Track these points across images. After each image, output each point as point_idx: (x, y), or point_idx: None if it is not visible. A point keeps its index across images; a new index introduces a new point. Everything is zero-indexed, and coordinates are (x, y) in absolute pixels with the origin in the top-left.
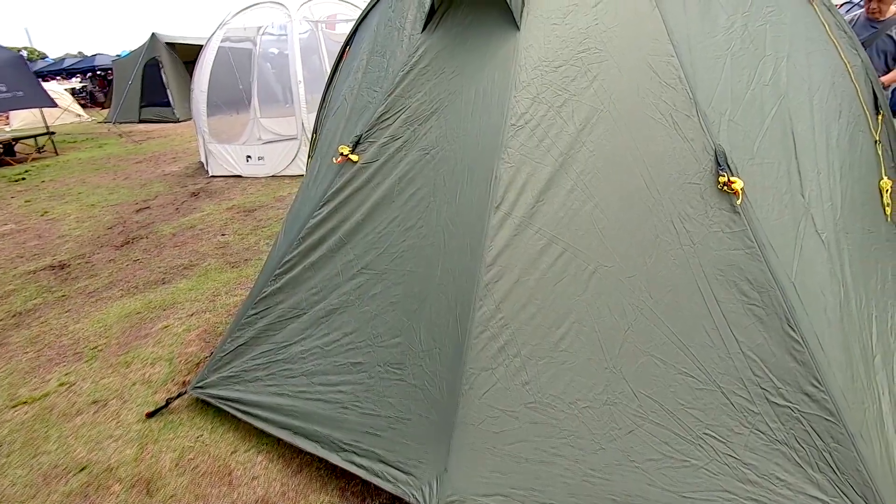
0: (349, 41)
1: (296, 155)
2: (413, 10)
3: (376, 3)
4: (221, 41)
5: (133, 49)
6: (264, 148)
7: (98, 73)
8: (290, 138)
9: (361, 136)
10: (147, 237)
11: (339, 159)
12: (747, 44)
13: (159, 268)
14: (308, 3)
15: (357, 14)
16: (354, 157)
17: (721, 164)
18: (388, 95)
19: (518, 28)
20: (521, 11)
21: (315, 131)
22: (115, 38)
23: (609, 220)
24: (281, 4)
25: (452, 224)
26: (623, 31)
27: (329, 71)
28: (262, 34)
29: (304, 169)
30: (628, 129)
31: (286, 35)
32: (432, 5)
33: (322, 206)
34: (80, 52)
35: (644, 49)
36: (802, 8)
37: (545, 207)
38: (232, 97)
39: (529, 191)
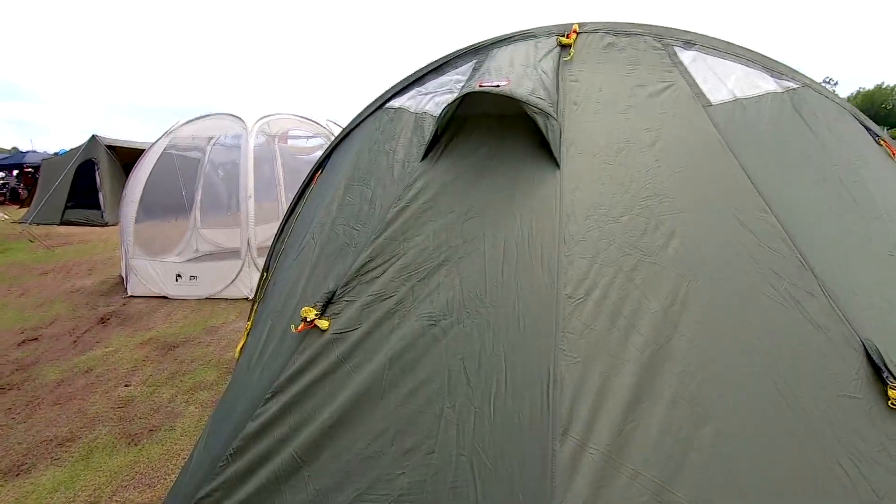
0: (321, 164)
1: (237, 275)
2: (408, 132)
3: (359, 122)
4: (166, 148)
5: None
6: (199, 266)
7: (27, 170)
8: (231, 251)
9: (335, 291)
10: (21, 386)
11: (300, 327)
12: (848, 202)
13: (21, 442)
14: (266, 117)
15: (318, 131)
16: (323, 324)
17: (882, 368)
18: (376, 237)
19: (558, 165)
20: (560, 144)
21: (266, 269)
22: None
23: (743, 458)
24: (236, 117)
25: (485, 454)
26: (694, 177)
27: (282, 184)
28: (214, 144)
29: (247, 291)
30: (735, 310)
31: (239, 146)
32: (437, 132)
33: (269, 399)
34: (14, 148)
35: (727, 200)
36: (880, 154)
37: (638, 434)
38: (172, 203)
39: (611, 404)
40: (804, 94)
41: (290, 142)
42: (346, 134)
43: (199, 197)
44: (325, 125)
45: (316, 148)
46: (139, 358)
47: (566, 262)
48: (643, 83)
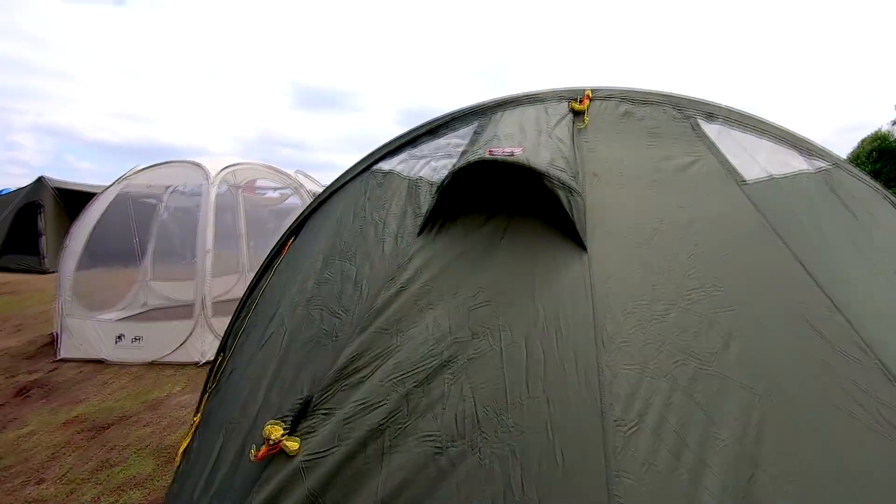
0: (295, 230)
1: (188, 336)
2: (401, 200)
3: (342, 184)
4: (118, 194)
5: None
6: (145, 326)
7: None
8: (183, 308)
9: (311, 399)
10: None
11: (261, 451)
12: None
13: None
14: (231, 167)
15: (286, 182)
16: (292, 445)
17: None
18: (363, 328)
19: (584, 247)
20: (585, 224)
21: (223, 349)
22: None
23: None
24: (198, 165)
25: None
26: (742, 264)
27: (243, 234)
28: (171, 192)
29: (198, 356)
30: (821, 436)
31: (200, 194)
32: (437, 203)
33: None
34: None
35: (785, 293)
36: None
37: None
38: (122, 250)
39: None
40: (837, 174)
41: (256, 192)
42: (327, 197)
43: (152, 246)
44: (293, 177)
45: (282, 199)
46: (60, 443)
47: (609, 373)
48: (668, 155)
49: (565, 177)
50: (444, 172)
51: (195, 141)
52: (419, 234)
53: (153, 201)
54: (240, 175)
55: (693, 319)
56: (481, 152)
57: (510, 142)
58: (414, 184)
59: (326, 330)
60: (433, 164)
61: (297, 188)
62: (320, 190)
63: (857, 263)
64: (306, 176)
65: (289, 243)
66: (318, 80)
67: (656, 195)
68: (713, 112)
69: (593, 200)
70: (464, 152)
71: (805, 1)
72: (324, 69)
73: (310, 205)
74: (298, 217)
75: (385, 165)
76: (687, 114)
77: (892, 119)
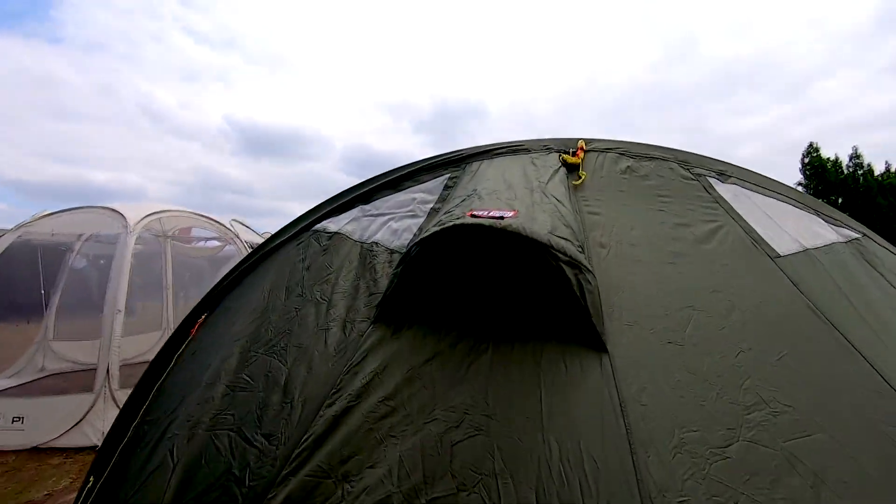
0: (211, 305)
1: (86, 413)
2: (351, 271)
3: (273, 246)
4: (14, 241)
5: None
6: (30, 404)
7: None
8: (87, 370)
9: None
10: None
11: None
12: None
13: None
14: (155, 214)
15: (221, 232)
16: None
17: None
18: (293, 470)
19: (603, 346)
20: (602, 313)
21: (92, 472)
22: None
23: None
24: (115, 212)
25: None
26: (804, 368)
27: (170, 287)
28: (85, 240)
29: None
30: None
31: (116, 244)
32: (400, 280)
33: None
34: None
35: (868, 411)
36: None
37: None
38: (21, 305)
39: None
40: (868, 245)
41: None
42: (254, 262)
43: (56, 299)
44: (229, 226)
45: (217, 250)
46: None
47: None
48: (685, 222)
49: (572, 249)
50: (408, 237)
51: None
52: (375, 320)
53: (63, 249)
54: (167, 223)
55: (764, 456)
56: (458, 213)
57: (495, 201)
58: (367, 250)
59: (236, 472)
60: (393, 224)
61: (234, 239)
62: (260, 241)
63: None
64: (243, 225)
65: (199, 322)
66: (267, 125)
67: (680, 273)
68: (724, 171)
69: (604, 279)
70: (432, 211)
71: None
72: (271, 113)
73: (229, 273)
74: (214, 287)
75: (331, 224)
76: (695, 172)
77: None
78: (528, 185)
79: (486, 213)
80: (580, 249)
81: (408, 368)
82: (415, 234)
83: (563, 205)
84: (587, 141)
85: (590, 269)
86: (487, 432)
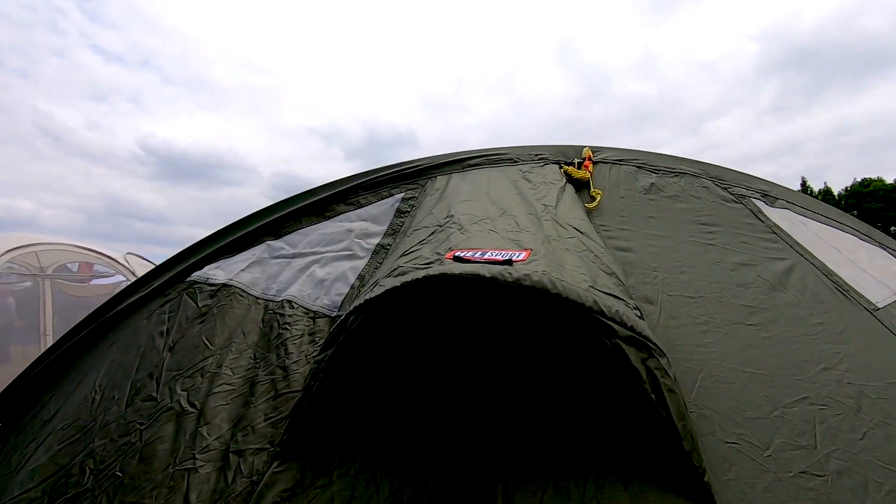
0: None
1: None
2: (245, 356)
3: (117, 313)
4: None
5: None
6: None
7: None
8: None
9: None
10: None
11: None
12: None
13: None
14: (28, 247)
15: (114, 267)
16: None
17: None
18: None
19: (711, 496)
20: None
21: None
22: None
23: None
24: None
25: None
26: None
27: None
28: None
29: None
30: None
31: None
32: (318, 383)
33: None
34: None
35: None
36: None
37: None
38: None
39: None
40: None
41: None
42: (83, 336)
43: None
44: (123, 261)
45: (111, 288)
46: None
47: None
48: (745, 261)
49: (632, 316)
50: (342, 288)
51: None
52: (283, 449)
53: None
54: (45, 258)
55: None
56: (429, 254)
57: (488, 234)
58: (275, 314)
59: None
60: (317, 271)
61: (132, 274)
62: None
63: None
64: (140, 257)
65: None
66: (185, 148)
67: (766, 339)
68: (769, 191)
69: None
70: (379, 248)
71: None
72: (191, 136)
73: (44, 355)
74: (21, 376)
75: (218, 272)
76: (735, 192)
77: None
78: (530, 210)
79: (477, 253)
80: (638, 314)
81: None
82: (352, 288)
83: (592, 239)
84: (593, 149)
85: (663, 351)
86: None
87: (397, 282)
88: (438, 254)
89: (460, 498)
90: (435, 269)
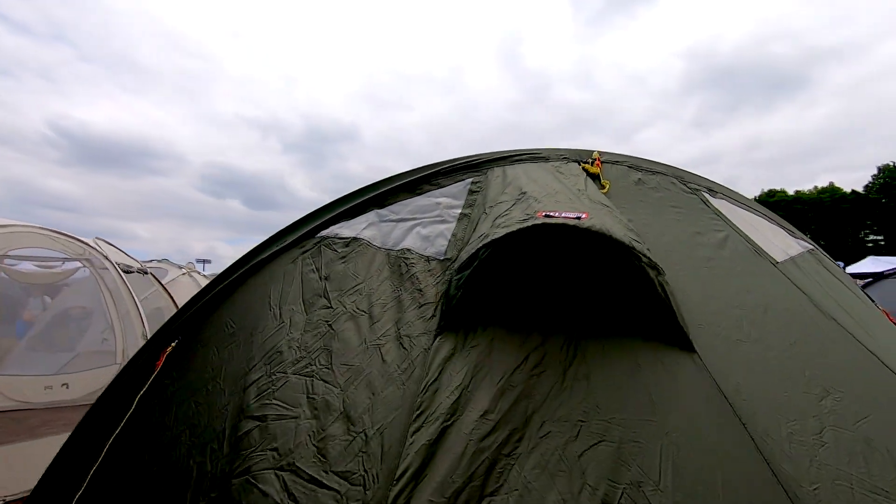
0: (179, 333)
1: None
2: (383, 281)
3: (259, 262)
4: None
5: None
6: None
7: None
8: None
9: None
10: None
11: None
12: None
13: None
14: None
15: (78, 252)
16: None
17: None
18: None
19: (692, 346)
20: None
21: None
22: None
23: None
24: None
25: None
26: (833, 357)
27: None
28: None
29: None
30: None
31: None
32: (461, 291)
33: None
34: None
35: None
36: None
37: None
38: None
39: None
40: (819, 254)
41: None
42: (235, 278)
43: None
44: (93, 244)
45: (69, 274)
46: None
47: None
48: (699, 230)
49: (646, 250)
50: (442, 242)
51: None
52: (441, 331)
53: None
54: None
55: (848, 439)
56: (519, 215)
57: (556, 203)
58: (399, 258)
59: None
60: (421, 230)
61: (101, 260)
62: (130, 262)
63: (879, 327)
64: (110, 244)
65: (165, 352)
66: (105, 132)
67: (715, 276)
68: (711, 187)
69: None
70: (462, 216)
71: None
72: (112, 119)
73: (198, 295)
74: (182, 310)
75: (344, 230)
76: (691, 186)
77: None
78: (570, 193)
79: (558, 213)
80: (648, 250)
81: (499, 378)
82: (449, 242)
83: (615, 212)
84: (601, 153)
85: (664, 273)
86: (609, 438)
87: (513, 228)
88: (528, 214)
89: (560, 352)
90: (541, 220)
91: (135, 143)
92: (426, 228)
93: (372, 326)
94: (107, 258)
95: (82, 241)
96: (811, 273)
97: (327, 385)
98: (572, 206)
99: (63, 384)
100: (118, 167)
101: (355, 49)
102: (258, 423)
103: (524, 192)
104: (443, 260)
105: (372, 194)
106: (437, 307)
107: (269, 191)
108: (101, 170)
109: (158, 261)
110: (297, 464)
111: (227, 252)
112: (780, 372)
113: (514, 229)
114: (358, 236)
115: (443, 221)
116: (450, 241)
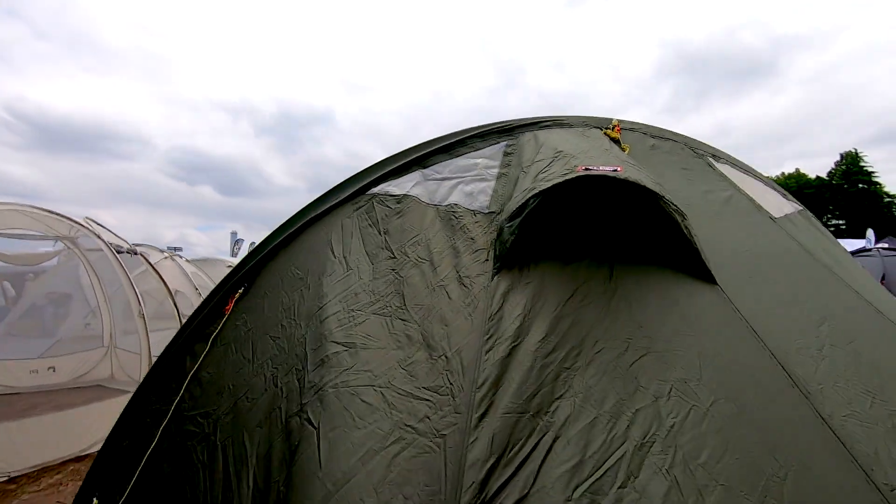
0: (243, 279)
1: None
2: (437, 232)
3: (315, 217)
4: None
5: None
6: None
7: None
8: None
9: None
10: None
11: None
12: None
13: None
14: None
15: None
16: None
17: None
18: (481, 414)
19: (713, 279)
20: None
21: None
22: None
23: None
24: None
25: None
26: (826, 292)
27: None
28: None
29: None
30: None
31: None
32: (515, 236)
33: None
34: None
35: (875, 320)
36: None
37: None
38: None
39: None
40: (808, 213)
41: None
42: (296, 230)
43: None
44: (84, 223)
45: (50, 256)
46: None
47: (843, 431)
48: (708, 189)
49: (671, 198)
50: (484, 198)
51: None
52: (499, 270)
53: None
54: None
55: (842, 354)
56: (559, 170)
57: (591, 159)
58: (448, 212)
59: (413, 424)
60: (464, 188)
61: (90, 238)
62: (120, 242)
63: (864, 280)
64: (100, 224)
65: (233, 298)
66: (65, 115)
67: (726, 227)
68: (716, 153)
69: None
70: (500, 175)
71: None
72: (72, 101)
73: (262, 245)
74: (245, 261)
75: (393, 188)
76: (698, 153)
77: None
78: (600, 150)
79: (596, 167)
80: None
81: (554, 307)
82: (491, 198)
83: (642, 168)
84: (620, 121)
85: (687, 215)
86: (654, 350)
87: (558, 180)
88: (568, 169)
89: (603, 284)
90: (582, 173)
91: (98, 126)
92: (468, 186)
93: (434, 271)
94: (100, 238)
95: (73, 221)
96: (803, 228)
97: (405, 322)
98: (606, 160)
99: (49, 367)
100: (80, 151)
101: (330, 31)
102: (346, 348)
103: (560, 151)
104: (487, 213)
105: (415, 156)
106: (488, 252)
107: (242, 176)
108: (63, 154)
109: (138, 245)
110: (393, 383)
111: (200, 239)
112: (786, 303)
113: (560, 181)
114: (408, 193)
115: (483, 180)
116: (491, 196)
